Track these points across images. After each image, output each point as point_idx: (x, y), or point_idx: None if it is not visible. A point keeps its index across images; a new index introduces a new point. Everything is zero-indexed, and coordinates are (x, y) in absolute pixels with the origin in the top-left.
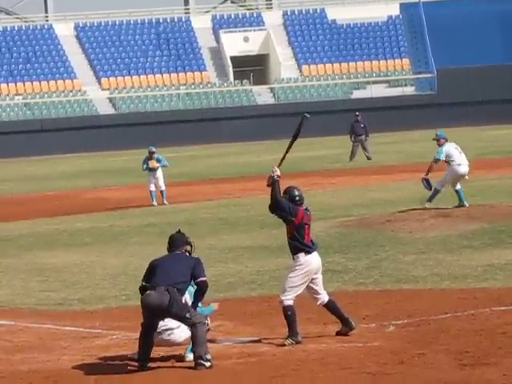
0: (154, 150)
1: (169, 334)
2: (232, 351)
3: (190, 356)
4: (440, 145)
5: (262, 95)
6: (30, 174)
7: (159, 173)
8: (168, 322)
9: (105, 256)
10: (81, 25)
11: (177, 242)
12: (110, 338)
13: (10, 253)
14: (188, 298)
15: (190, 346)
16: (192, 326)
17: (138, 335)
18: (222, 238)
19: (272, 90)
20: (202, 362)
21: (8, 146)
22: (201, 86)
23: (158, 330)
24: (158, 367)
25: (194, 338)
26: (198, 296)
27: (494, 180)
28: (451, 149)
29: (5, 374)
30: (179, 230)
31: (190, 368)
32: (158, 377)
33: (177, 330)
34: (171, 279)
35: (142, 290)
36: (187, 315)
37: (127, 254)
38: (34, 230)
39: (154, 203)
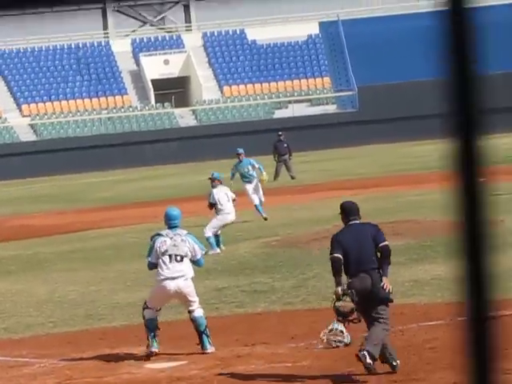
0: (241, 151)
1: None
2: (161, 375)
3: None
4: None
5: (184, 117)
6: None
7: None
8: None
9: (30, 284)
10: None
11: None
12: (38, 366)
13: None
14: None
15: (205, 338)
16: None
17: (63, 363)
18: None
19: (194, 112)
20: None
21: None
22: (122, 110)
23: None
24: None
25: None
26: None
27: (418, 196)
28: (221, 193)
29: None
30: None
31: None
32: None
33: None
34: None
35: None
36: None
37: (53, 280)
38: None
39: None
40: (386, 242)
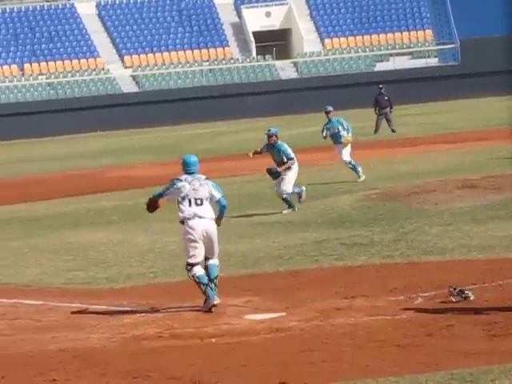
0: (332, 109)
1: None
2: (260, 327)
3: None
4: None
5: (285, 70)
6: (54, 153)
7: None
8: None
9: (131, 234)
10: (103, 3)
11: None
12: (139, 316)
13: (36, 233)
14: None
15: (212, 286)
16: None
17: (164, 313)
18: (248, 213)
19: (295, 64)
20: None
21: (33, 126)
22: (224, 62)
23: None
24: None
25: None
26: None
27: None
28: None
29: (34, 353)
30: None
31: (212, 343)
32: (185, 352)
33: None
34: None
35: None
36: None
37: (153, 231)
38: (59, 209)
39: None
40: None
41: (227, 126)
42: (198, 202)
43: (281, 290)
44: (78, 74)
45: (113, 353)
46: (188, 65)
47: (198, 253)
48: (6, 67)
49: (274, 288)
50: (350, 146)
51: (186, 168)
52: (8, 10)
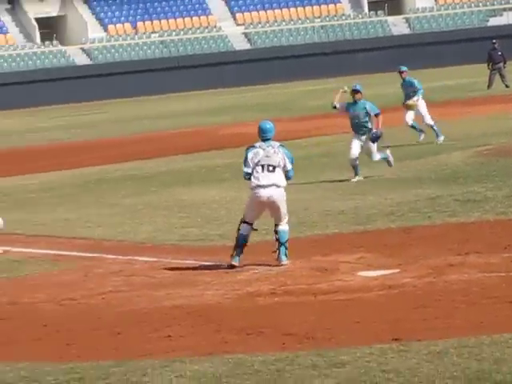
0: (406, 68)
1: None
2: (373, 283)
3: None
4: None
5: (397, 26)
6: (167, 111)
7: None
8: None
9: (243, 191)
10: None
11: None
12: (252, 273)
13: (150, 190)
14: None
15: (283, 249)
16: None
17: (277, 270)
18: (361, 171)
19: (407, 20)
20: None
21: (145, 84)
22: (335, 18)
23: None
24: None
25: None
26: None
27: None
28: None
29: (149, 309)
30: None
31: (325, 300)
32: (299, 308)
33: None
34: None
35: None
36: None
37: None
38: (172, 167)
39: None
40: None
41: (338, 82)
42: (270, 168)
43: (393, 246)
44: (190, 32)
45: (227, 309)
46: (300, 21)
47: (254, 214)
48: (119, 26)
49: (387, 244)
50: (415, 108)
51: (262, 134)
52: None
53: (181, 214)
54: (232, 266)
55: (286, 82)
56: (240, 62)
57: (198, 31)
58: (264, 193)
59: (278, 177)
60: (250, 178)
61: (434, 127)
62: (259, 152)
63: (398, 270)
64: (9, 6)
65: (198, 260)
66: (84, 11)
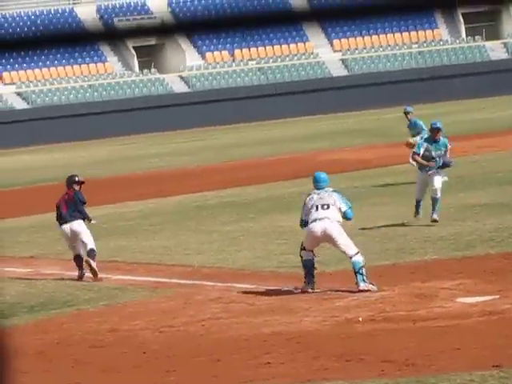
0: (411, 109)
1: None
2: (473, 310)
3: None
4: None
5: (494, 51)
6: (265, 137)
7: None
8: None
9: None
10: None
11: None
12: (351, 299)
13: (248, 217)
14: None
15: (360, 276)
16: None
17: (376, 296)
18: (458, 197)
19: (505, 45)
20: None
21: (243, 111)
22: (433, 44)
23: None
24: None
25: None
26: None
27: None
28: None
29: (248, 336)
30: None
31: (424, 326)
32: (398, 335)
33: None
34: None
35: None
36: None
37: (364, 214)
38: (271, 193)
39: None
40: None
41: (435, 108)
42: (325, 207)
43: (493, 272)
44: (287, 59)
45: (325, 336)
46: (397, 47)
47: (310, 245)
48: (217, 53)
49: (486, 270)
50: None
51: (316, 184)
52: None
53: (279, 240)
54: (304, 291)
55: (383, 107)
56: (337, 89)
57: (296, 58)
58: (317, 226)
59: (332, 213)
60: (303, 226)
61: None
62: (313, 197)
63: (497, 296)
64: None
65: (297, 287)
66: (182, 39)
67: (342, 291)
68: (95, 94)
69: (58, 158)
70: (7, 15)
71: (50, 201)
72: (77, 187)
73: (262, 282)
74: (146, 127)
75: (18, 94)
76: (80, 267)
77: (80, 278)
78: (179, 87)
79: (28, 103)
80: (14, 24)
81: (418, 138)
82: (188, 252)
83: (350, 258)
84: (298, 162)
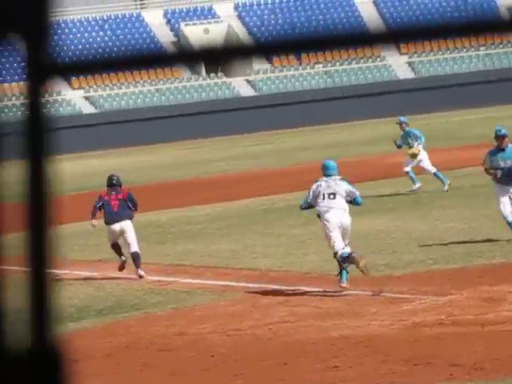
0: (405, 120)
1: None
2: None
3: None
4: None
5: None
6: (332, 140)
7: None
8: None
9: (409, 221)
10: None
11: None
12: (418, 303)
13: (316, 220)
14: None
15: (345, 274)
16: None
17: (443, 300)
18: None
19: None
20: None
21: (310, 114)
22: (501, 46)
23: None
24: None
25: None
26: None
27: None
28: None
29: (315, 339)
30: None
31: (493, 330)
32: (466, 339)
33: None
34: None
35: None
36: None
37: (432, 217)
38: None
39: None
40: None
41: (503, 110)
42: (331, 196)
43: None
44: (354, 62)
45: (393, 339)
46: (464, 50)
47: (338, 239)
48: (283, 57)
49: None
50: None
51: (325, 171)
52: (285, 0)
53: None
54: (342, 288)
55: (450, 110)
56: (404, 91)
57: (362, 61)
58: (334, 215)
59: (340, 202)
60: (303, 208)
61: (439, 175)
62: (321, 184)
63: None
64: (175, 39)
65: (364, 290)
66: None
67: (410, 294)
68: (162, 98)
69: (125, 162)
70: (75, 20)
71: None
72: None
73: (329, 286)
74: (213, 131)
75: (86, 98)
76: (119, 254)
77: (122, 267)
78: (246, 91)
79: (96, 108)
80: (82, 29)
81: (420, 146)
82: (255, 255)
83: (343, 248)
84: (365, 165)
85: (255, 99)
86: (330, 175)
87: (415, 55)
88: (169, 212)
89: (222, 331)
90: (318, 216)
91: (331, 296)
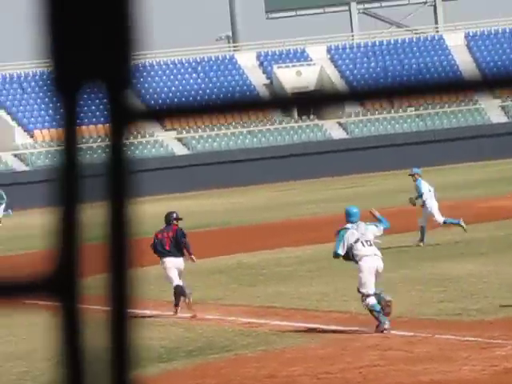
0: (417, 171)
1: None
2: None
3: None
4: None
5: None
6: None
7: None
8: None
9: (502, 265)
10: (471, 34)
11: None
12: (510, 348)
13: (408, 264)
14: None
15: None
16: None
17: None
18: None
19: None
20: None
21: (401, 157)
22: None
23: None
24: None
25: None
26: None
27: None
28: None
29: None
30: None
31: None
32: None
33: None
34: None
35: None
36: None
37: None
38: (427, 241)
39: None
40: None
41: None
42: (368, 243)
43: None
44: (446, 105)
45: None
46: None
47: (371, 285)
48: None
49: None
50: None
51: (349, 218)
52: (377, 43)
53: (438, 288)
54: (384, 330)
55: None
56: (497, 135)
57: (455, 104)
58: (372, 262)
59: (376, 249)
60: (337, 257)
61: (425, 230)
62: (354, 232)
63: None
64: (267, 81)
65: (455, 335)
66: (341, 85)
67: (502, 340)
68: (254, 140)
69: (217, 203)
70: (168, 62)
71: (210, 246)
72: (176, 223)
73: (420, 330)
74: (304, 173)
75: (179, 139)
76: (179, 298)
77: (176, 310)
78: (338, 133)
79: (188, 149)
80: (175, 71)
81: (420, 202)
82: (345, 298)
83: (380, 293)
84: (458, 209)
85: (347, 142)
86: (355, 222)
87: (508, 99)
88: (259, 254)
89: (312, 374)
90: (356, 262)
91: (422, 340)
